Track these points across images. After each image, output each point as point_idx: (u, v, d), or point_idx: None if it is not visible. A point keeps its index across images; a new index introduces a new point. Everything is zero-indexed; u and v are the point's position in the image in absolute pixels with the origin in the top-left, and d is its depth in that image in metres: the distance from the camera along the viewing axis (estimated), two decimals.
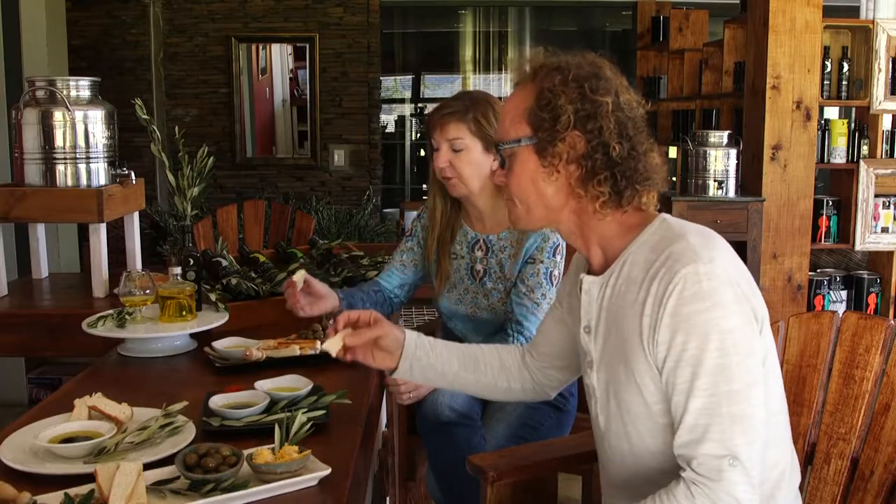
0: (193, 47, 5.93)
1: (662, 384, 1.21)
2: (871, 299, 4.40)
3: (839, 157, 4.34)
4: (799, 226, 4.22)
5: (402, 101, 8.72)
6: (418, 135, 8.43)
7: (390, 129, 8.54)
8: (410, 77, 8.70)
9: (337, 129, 6.05)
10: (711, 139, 4.19)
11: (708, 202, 4.12)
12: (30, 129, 2.65)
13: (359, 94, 6.02)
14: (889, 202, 4.35)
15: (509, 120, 1.31)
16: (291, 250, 2.87)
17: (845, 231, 4.38)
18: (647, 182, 1.28)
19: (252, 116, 6.07)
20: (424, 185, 7.92)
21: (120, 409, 1.51)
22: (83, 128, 2.67)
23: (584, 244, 1.34)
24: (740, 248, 4.02)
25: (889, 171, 4.32)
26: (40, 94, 2.68)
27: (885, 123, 4.42)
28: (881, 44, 4.21)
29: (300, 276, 2.00)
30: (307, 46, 5.96)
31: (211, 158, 2.32)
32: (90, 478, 1.23)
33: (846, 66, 4.31)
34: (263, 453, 1.31)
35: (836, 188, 4.54)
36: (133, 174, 2.82)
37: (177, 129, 2.45)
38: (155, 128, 2.30)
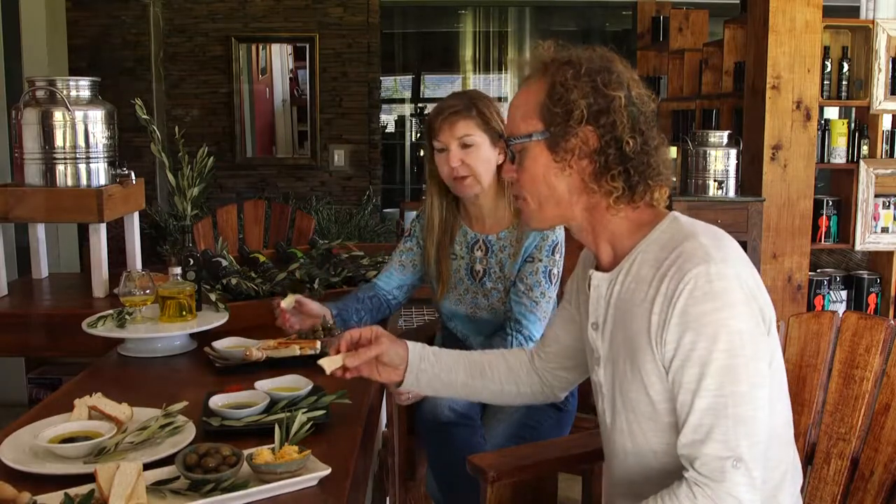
0: (193, 47, 5.92)
1: (669, 383, 1.21)
2: (871, 299, 4.40)
3: (839, 157, 4.34)
4: (799, 226, 4.22)
5: (402, 101, 8.72)
6: (418, 135, 8.43)
7: (390, 129, 8.54)
8: (410, 77, 8.70)
9: (337, 129, 6.04)
10: (711, 139, 4.19)
11: (708, 202, 4.12)
12: (30, 129, 2.65)
13: (359, 94, 6.02)
14: (889, 202, 4.35)
15: (520, 115, 1.30)
16: (291, 250, 2.86)
17: (845, 231, 4.38)
18: (659, 177, 1.27)
19: (252, 116, 6.06)
20: (424, 186, 7.89)
21: (120, 409, 1.51)
22: (83, 128, 2.67)
23: (593, 240, 1.33)
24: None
25: (889, 171, 4.32)
26: (40, 94, 2.68)
27: (885, 123, 4.42)
28: (881, 44, 4.21)
29: (289, 301, 2.00)
30: (307, 46, 5.95)
31: (211, 158, 2.32)
32: (90, 478, 1.23)
33: (846, 66, 4.31)
34: (263, 453, 1.31)
35: (836, 188, 4.54)
36: (133, 174, 2.82)
37: (177, 129, 2.45)
38: (155, 128, 2.30)
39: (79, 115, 2.65)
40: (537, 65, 1.30)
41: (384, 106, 7.53)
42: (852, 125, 4.40)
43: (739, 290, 1.17)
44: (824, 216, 4.34)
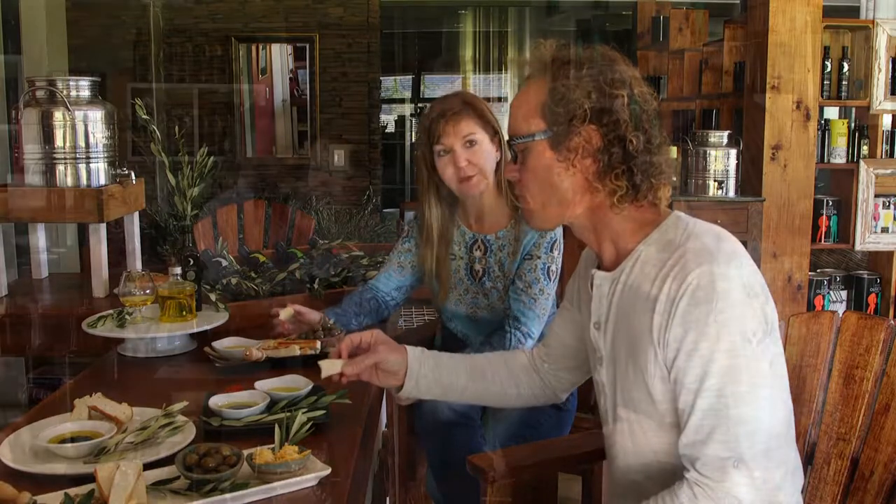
0: (193, 47, 5.92)
1: (671, 383, 1.21)
2: (871, 299, 4.40)
3: (839, 157, 4.33)
4: (799, 226, 4.22)
5: (402, 101, 8.73)
6: (418, 135, 8.42)
7: (390, 129, 8.54)
8: (410, 77, 8.70)
9: (337, 129, 6.04)
10: (711, 139, 4.19)
11: (708, 202, 4.11)
12: (30, 129, 2.65)
13: (359, 94, 6.02)
14: (889, 202, 4.34)
15: (522, 114, 1.29)
16: (291, 250, 2.86)
17: (845, 231, 4.37)
18: (662, 176, 1.27)
19: (252, 116, 6.07)
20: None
21: (120, 409, 1.51)
22: (83, 128, 2.66)
23: (596, 240, 1.33)
24: None
25: (889, 171, 4.32)
26: (40, 94, 2.68)
27: (885, 123, 4.41)
28: (881, 44, 4.21)
29: (288, 312, 2.01)
30: (307, 46, 5.96)
31: (211, 158, 2.32)
32: (90, 478, 1.23)
33: (846, 66, 4.30)
34: (263, 453, 1.31)
35: (836, 188, 4.54)
36: (133, 174, 2.82)
37: (177, 129, 2.45)
38: (155, 128, 2.30)
39: (79, 115, 2.65)
40: (539, 64, 1.30)
41: (384, 106, 7.53)
42: (852, 125, 4.39)
43: (742, 291, 1.17)
44: (824, 216, 4.34)
